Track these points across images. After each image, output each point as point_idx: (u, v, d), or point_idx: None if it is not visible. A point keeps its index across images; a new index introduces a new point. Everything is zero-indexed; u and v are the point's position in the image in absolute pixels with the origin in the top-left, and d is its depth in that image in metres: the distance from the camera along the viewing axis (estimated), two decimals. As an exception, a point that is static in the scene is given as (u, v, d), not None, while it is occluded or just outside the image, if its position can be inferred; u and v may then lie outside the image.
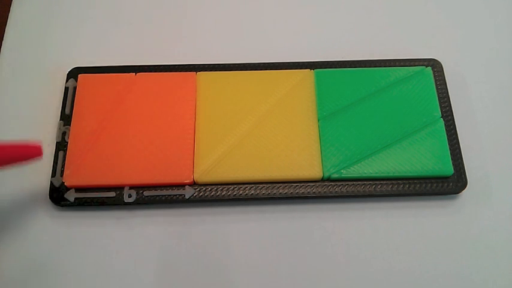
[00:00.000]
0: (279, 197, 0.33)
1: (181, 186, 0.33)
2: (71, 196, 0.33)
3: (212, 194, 0.33)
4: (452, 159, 0.34)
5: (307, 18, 0.41)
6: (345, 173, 0.33)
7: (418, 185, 0.33)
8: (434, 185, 0.33)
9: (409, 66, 0.37)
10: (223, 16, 0.41)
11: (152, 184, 0.33)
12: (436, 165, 0.33)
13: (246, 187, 0.33)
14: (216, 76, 0.36)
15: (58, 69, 0.37)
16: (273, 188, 0.33)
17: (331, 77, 0.36)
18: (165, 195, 0.33)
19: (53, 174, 0.33)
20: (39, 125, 0.36)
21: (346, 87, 0.36)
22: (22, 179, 0.34)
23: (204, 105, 0.35)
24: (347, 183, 0.33)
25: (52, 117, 0.36)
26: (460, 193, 0.33)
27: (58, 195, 0.33)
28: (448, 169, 0.33)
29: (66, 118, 0.35)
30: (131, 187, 0.33)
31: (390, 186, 0.33)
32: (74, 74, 0.37)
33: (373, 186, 0.33)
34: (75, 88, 0.36)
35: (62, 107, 0.36)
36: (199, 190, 0.33)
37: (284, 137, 0.34)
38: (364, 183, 0.33)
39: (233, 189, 0.33)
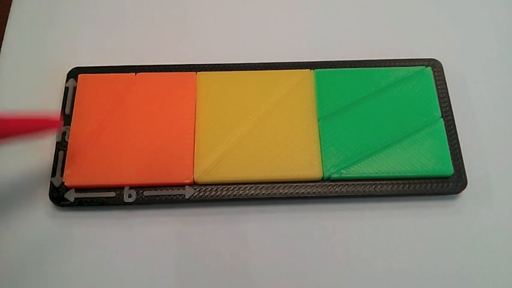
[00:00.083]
0: (279, 197, 0.33)
1: (181, 186, 0.33)
2: (71, 196, 0.33)
3: (212, 194, 0.33)
4: (452, 159, 0.34)
5: (307, 18, 0.41)
6: (345, 173, 0.33)
7: (418, 185, 0.33)
8: (434, 185, 0.33)
9: (409, 66, 0.37)
10: (224, 16, 0.41)
11: (152, 184, 0.33)
12: (436, 165, 0.33)
13: (246, 187, 0.33)
14: (216, 76, 0.36)
15: (58, 69, 0.37)
16: (273, 188, 0.33)
17: (331, 77, 0.36)
18: (165, 195, 0.33)
19: (53, 174, 0.33)
20: (39, 125, 0.36)
21: (346, 87, 0.36)
22: (22, 179, 0.34)
23: (204, 105, 0.35)
24: (347, 183, 0.33)
25: (52, 117, 0.36)
26: (460, 193, 0.33)
27: (58, 195, 0.33)
28: (448, 169, 0.33)
29: (66, 118, 0.35)
30: (131, 187, 0.33)
31: (390, 186, 0.33)
32: (74, 74, 0.37)
33: (373, 186, 0.33)
34: (75, 88, 0.36)
35: (62, 107, 0.36)
36: (199, 190, 0.33)
37: (284, 137, 0.34)
38: (364, 183, 0.33)
39: (233, 189, 0.33)
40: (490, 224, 0.33)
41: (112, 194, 0.33)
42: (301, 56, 0.38)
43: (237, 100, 0.35)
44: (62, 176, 0.33)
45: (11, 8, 0.41)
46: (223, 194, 0.33)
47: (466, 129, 0.36)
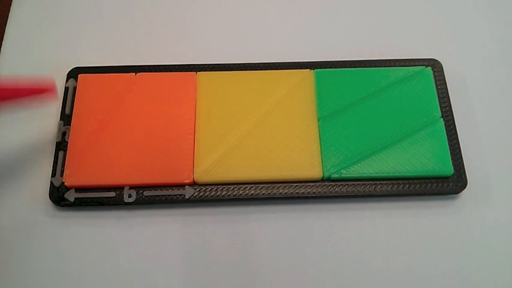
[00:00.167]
0: (279, 197, 0.33)
1: (181, 186, 0.33)
2: (71, 196, 0.33)
3: (212, 194, 0.33)
4: (452, 159, 0.34)
5: (307, 18, 0.41)
6: (345, 173, 0.33)
7: (418, 185, 0.33)
8: (434, 185, 0.33)
9: (409, 66, 0.37)
10: (223, 16, 0.41)
11: (152, 184, 0.33)
12: (436, 165, 0.33)
13: (246, 187, 0.33)
14: (216, 76, 0.36)
15: (58, 69, 0.37)
16: (273, 188, 0.33)
17: (331, 77, 0.36)
18: (165, 195, 0.33)
19: (53, 174, 0.33)
20: (39, 125, 0.36)
21: (346, 87, 0.36)
22: (22, 179, 0.34)
23: (204, 105, 0.35)
24: (347, 183, 0.33)
25: (52, 117, 0.36)
26: (460, 193, 0.33)
27: (58, 195, 0.33)
28: (448, 169, 0.33)
29: (66, 118, 0.35)
30: (131, 187, 0.33)
31: (390, 186, 0.33)
32: (74, 74, 0.37)
33: (373, 186, 0.33)
34: (75, 88, 0.36)
35: (62, 107, 0.36)
36: (199, 190, 0.33)
37: (284, 137, 0.34)
38: (364, 183, 0.33)
39: (233, 189, 0.33)
40: (490, 224, 0.33)
41: (112, 194, 0.33)
42: (301, 56, 0.38)
43: (237, 100, 0.35)
44: (62, 176, 0.33)
45: (11, 8, 0.41)
46: (223, 194, 0.33)
47: (466, 129, 0.36)
